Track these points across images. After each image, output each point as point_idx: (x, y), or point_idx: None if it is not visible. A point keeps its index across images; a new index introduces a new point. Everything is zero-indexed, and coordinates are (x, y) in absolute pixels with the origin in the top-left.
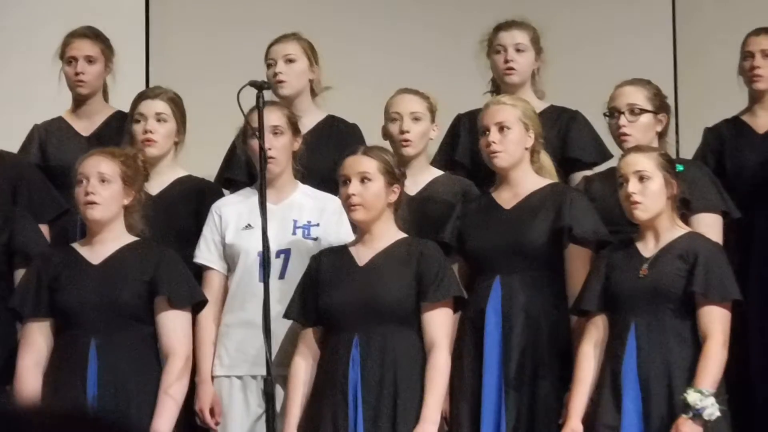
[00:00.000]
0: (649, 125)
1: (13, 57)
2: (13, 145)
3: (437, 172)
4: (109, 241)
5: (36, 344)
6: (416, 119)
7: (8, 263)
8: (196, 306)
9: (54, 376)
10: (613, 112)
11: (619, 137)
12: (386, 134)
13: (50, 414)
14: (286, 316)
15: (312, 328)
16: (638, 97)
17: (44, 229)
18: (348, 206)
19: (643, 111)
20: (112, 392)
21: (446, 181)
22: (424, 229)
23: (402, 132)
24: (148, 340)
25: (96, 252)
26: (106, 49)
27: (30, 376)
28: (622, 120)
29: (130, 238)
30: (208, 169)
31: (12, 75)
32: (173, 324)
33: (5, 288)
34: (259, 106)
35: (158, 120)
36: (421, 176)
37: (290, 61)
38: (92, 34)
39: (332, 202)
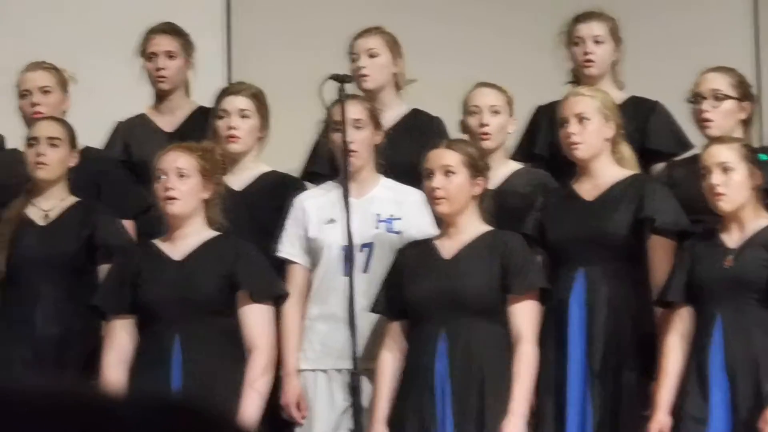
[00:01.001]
0: (731, 112)
1: (94, 54)
2: (96, 142)
3: (516, 166)
4: (190, 236)
5: (120, 341)
6: (495, 112)
7: (90, 258)
8: (278, 299)
9: (138, 371)
10: (696, 98)
11: (701, 122)
12: (464, 128)
13: (137, 402)
14: (373, 309)
15: (398, 322)
16: (722, 83)
17: (129, 224)
18: (432, 199)
19: (726, 97)
20: (196, 386)
21: (525, 174)
22: (503, 222)
23: (481, 125)
24: (232, 333)
25: (177, 247)
26: (186, 44)
27: (114, 373)
28: (705, 105)
29: (211, 234)
30: (291, 164)
31: (93, 72)
32: (255, 318)
33: (88, 283)
34: (341, 100)
35: (242, 116)
36: (500, 170)
37: (373, 55)
38: (171, 29)
39: (413, 195)
